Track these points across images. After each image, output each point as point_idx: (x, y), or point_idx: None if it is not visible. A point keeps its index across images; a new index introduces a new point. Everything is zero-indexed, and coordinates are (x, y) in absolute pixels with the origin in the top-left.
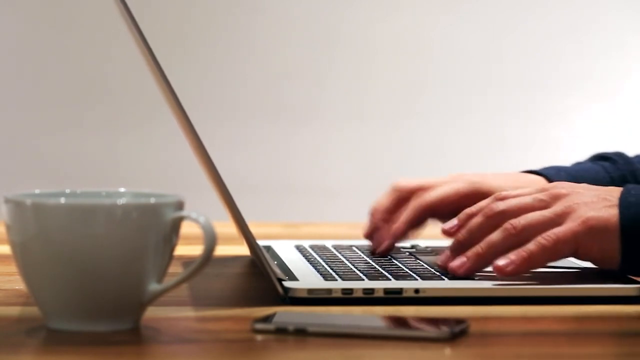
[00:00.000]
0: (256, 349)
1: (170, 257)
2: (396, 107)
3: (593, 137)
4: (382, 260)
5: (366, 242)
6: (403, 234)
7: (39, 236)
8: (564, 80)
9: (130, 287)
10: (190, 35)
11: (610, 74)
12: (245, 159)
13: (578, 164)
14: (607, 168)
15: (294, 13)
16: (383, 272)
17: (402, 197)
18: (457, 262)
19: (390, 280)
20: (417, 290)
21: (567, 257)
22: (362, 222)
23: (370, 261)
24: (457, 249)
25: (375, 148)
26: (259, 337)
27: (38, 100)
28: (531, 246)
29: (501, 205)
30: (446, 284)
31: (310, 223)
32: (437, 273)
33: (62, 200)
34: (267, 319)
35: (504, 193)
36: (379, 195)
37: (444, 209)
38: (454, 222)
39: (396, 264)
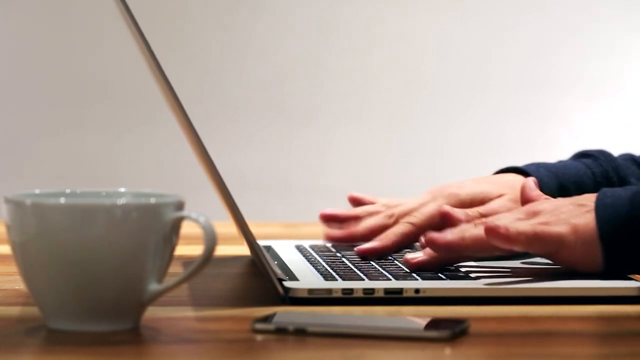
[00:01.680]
0: (256, 349)
1: (170, 257)
2: (396, 107)
3: (593, 137)
4: (383, 260)
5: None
6: (389, 252)
7: (39, 236)
8: (564, 80)
9: (130, 287)
10: (190, 35)
11: (610, 73)
12: (245, 159)
13: (560, 161)
14: (588, 164)
15: (294, 13)
16: (383, 272)
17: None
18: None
19: (390, 280)
20: (417, 290)
21: (543, 255)
22: None
23: (371, 261)
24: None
25: (375, 148)
26: (259, 337)
27: (38, 101)
28: (521, 226)
29: (484, 220)
30: (446, 284)
31: (310, 223)
32: (437, 273)
33: (62, 200)
34: (267, 319)
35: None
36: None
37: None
38: (418, 254)
39: (396, 264)
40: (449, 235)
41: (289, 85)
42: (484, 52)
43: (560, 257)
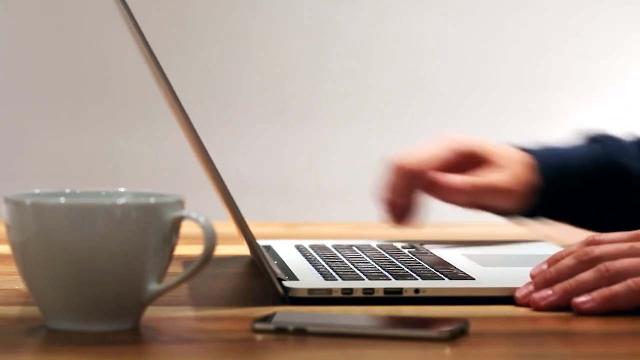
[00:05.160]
0: (256, 349)
1: (170, 257)
2: (395, 107)
3: None
4: (382, 260)
5: (366, 242)
6: None
7: (39, 236)
8: (564, 80)
9: (130, 287)
10: (190, 35)
11: (610, 73)
12: (245, 159)
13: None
14: (592, 147)
15: (293, 13)
16: (383, 272)
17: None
18: (541, 294)
19: (390, 280)
20: (417, 290)
21: None
22: (362, 222)
23: (371, 261)
24: (542, 286)
25: (374, 148)
26: (259, 337)
27: (38, 100)
28: (618, 287)
29: (597, 251)
30: (446, 284)
31: (310, 223)
32: (437, 273)
33: (62, 200)
34: (267, 319)
35: (598, 237)
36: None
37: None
38: (543, 265)
39: (396, 264)
40: (553, 297)
41: (289, 86)
42: (484, 52)
43: None
